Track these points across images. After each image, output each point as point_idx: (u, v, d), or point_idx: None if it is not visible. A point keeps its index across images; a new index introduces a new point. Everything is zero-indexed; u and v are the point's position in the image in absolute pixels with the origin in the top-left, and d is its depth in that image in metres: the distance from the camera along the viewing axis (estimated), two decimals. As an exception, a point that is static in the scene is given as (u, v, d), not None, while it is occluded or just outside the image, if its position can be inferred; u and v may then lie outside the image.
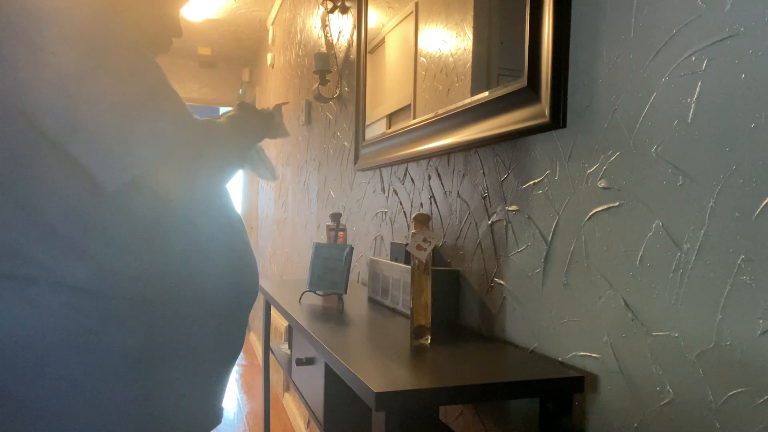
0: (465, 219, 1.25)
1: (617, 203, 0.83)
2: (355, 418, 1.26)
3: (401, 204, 1.61)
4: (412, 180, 1.54)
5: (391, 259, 1.50)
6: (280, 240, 3.67)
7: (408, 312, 1.27)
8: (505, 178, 1.11)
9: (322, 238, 2.53)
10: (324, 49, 2.47)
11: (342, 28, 2.30)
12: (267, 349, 1.94)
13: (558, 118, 0.93)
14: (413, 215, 1.02)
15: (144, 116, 0.79)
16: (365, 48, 1.93)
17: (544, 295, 0.99)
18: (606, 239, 0.85)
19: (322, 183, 2.59)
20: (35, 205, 0.77)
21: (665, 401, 0.75)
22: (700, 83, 0.71)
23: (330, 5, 2.32)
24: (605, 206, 0.86)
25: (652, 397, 0.77)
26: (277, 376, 3.52)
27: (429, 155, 1.38)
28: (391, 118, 1.69)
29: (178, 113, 0.84)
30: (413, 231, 1.00)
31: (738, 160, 0.66)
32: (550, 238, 0.97)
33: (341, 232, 1.66)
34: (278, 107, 1.16)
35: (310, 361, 1.38)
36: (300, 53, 3.15)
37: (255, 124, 1.08)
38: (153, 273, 0.83)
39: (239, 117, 1.05)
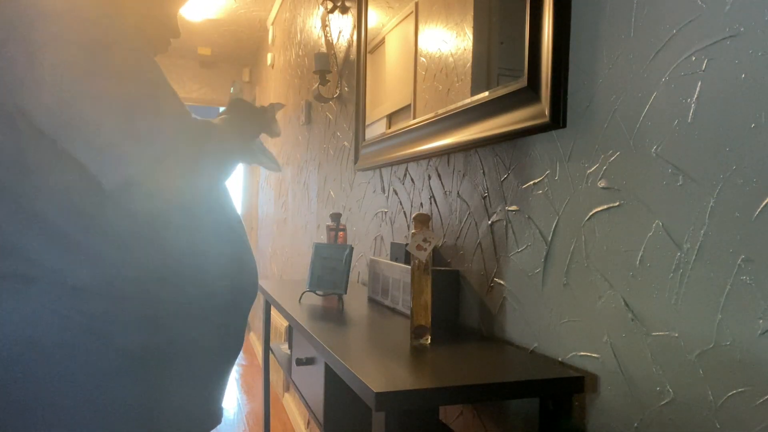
0: (465, 219, 1.25)
1: (617, 203, 0.83)
2: (355, 418, 1.26)
3: (401, 204, 1.61)
4: (412, 180, 1.54)
5: (391, 259, 1.50)
6: (280, 240, 3.67)
7: (408, 312, 1.27)
8: (505, 178, 1.11)
9: (322, 238, 2.53)
10: (324, 49, 2.47)
11: (342, 28, 2.30)
12: (267, 349, 1.94)
13: (558, 118, 0.93)
14: (413, 215, 1.02)
15: (143, 115, 0.79)
16: (365, 48, 1.93)
17: (544, 295, 0.99)
18: (606, 239, 0.85)
19: (322, 183, 2.59)
20: (35, 204, 0.77)
21: (665, 401, 0.75)
22: (700, 83, 0.71)
23: (330, 5, 2.32)
24: (605, 206, 0.86)
25: (652, 397, 0.77)
26: (277, 376, 3.52)
27: (429, 155, 1.38)
28: (391, 118, 1.69)
29: (176, 113, 0.84)
30: (413, 231, 1.00)
31: (738, 160, 0.66)
32: (550, 238, 0.97)
33: (341, 232, 1.66)
34: (273, 106, 1.15)
35: (310, 361, 1.38)
36: (300, 53, 3.15)
37: (250, 120, 1.07)
38: (153, 272, 0.83)
39: (235, 115, 1.05)
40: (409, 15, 1.56)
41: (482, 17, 1.19)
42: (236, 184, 5.76)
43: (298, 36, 3.19)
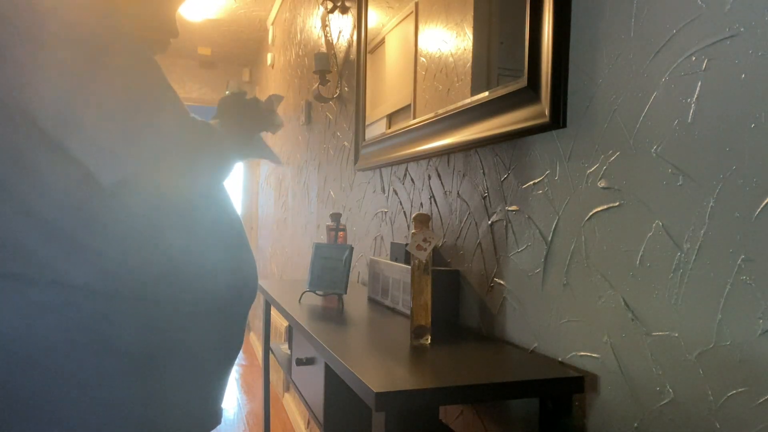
0: (465, 219, 1.25)
1: (617, 203, 0.83)
2: (355, 418, 1.26)
3: (401, 204, 1.61)
4: (412, 180, 1.54)
5: (391, 259, 1.50)
6: (280, 240, 3.67)
7: (408, 312, 1.27)
8: (505, 178, 1.11)
9: (322, 238, 2.53)
10: (324, 49, 2.47)
11: (342, 28, 2.30)
12: (267, 349, 1.94)
13: (558, 118, 0.93)
14: (413, 215, 1.02)
15: (141, 115, 0.79)
16: (365, 48, 1.93)
17: (544, 295, 0.99)
18: (606, 239, 0.85)
19: (322, 183, 2.59)
20: (35, 202, 0.77)
21: (665, 401, 0.75)
22: (700, 83, 0.71)
23: (330, 5, 2.32)
24: (605, 206, 0.86)
25: (652, 397, 0.77)
26: (277, 376, 3.52)
27: (429, 155, 1.38)
28: (391, 118, 1.69)
29: (175, 112, 0.84)
30: (413, 231, 1.00)
31: (738, 160, 0.66)
32: (550, 238, 0.97)
33: (341, 232, 1.66)
34: (271, 99, 1.13)
35: (310, 361, 1.38)
36: (300, 53, 3.15)
37: (247, 116, 1.06)
38: (153, 272, 0.83)
39: (230, 113, 1.04)
40: (409, 15, 1.56)
41: (482, 17, 1.19)
42: (236, 184, 5.75)
43: (298, 36, 3.19)
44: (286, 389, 3.26)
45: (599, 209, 0.87)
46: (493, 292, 1.13)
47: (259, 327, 4.67)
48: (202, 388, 0.93)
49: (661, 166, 0.76)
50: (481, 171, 1.19)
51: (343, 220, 2.20)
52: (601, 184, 0.86)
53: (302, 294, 1.56)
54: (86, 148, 0.77)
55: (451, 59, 1.30)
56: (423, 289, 1.01)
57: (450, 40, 1.30)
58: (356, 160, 1.98)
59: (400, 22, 1.63)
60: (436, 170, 1.39)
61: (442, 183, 1.36)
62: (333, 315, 1.29)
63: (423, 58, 1.45)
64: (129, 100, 0.78)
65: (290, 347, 1.72)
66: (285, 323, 2.68)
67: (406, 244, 1.35)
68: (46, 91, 0.75)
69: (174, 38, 1.02)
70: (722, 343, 0.68)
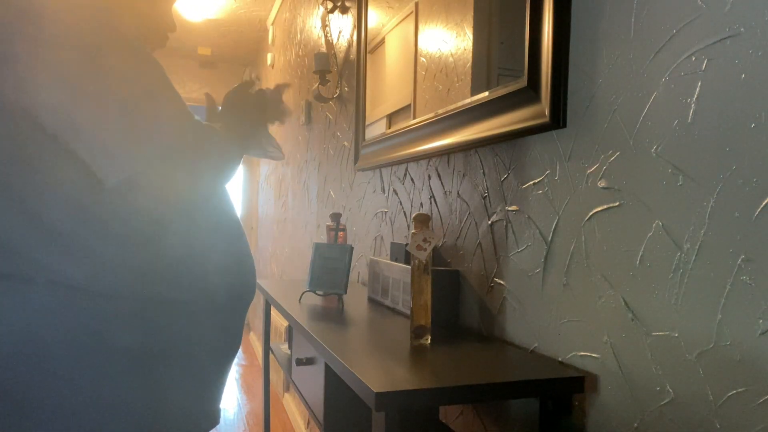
0: (465, 219, 1.25)
1: (617, 203, 0.83)
2: (355, 418, 1.26)
3: (401, 204, 1.61)
4: (412, 180, 1.54)
5: (391, 259, 1.50)
6: (280, 240, 3.67)
7: (408, 312, 1.27)
8: (505, 178, 1.11)
9: (322, 238, 2.53)
10: (324, 49, 2.47)
11: (342, 28, 2.30)
12: (267, 349, 1.94)
13: (558, 118, 0.93)
14: (413, 215, 1.02)
15: (142, 114, 0.79)
16: (365, 48, 1.93)
17: (544, 295, 0.99)
18: (606, 239, 0.85)
19: (322, 183, 2.59)
20: (36, 202, 0.77)
21: (665, 401, 0.75)
22: (700, 83, 0.71)
23: (330, 5, 2.32)
24: (605, 206, 0.86)
25: (652, 397, 0.77)
26: (277, 376, 3.52)
27: (429, 155, 1.38)
28: (391, 118, 1.69)
29: (177, 112, 0.84)
30: (413, 231, 1.00)
31: (738, 160, 0.66)
32: (550, 238, 0.97)
33: (341, 232, 1.66)
34: (278, 87, 1.11)
35: (310, 361, 1.38)
36: (300, 53, 3.15)
37: (252, 109, 1.05)
38: (152, 272, 0.83)
39: (235, 108, 1.03)
40: (409, 15, 1.56)
41: (482, 17, 1.19)
42: (236, 184, 5.75)
43: (298, 36, 3.19)
44: (286, 389, 3.26)
45: (599, 209, 0.87)
46: (493, 292, 1.13)
47: (259, 327, 4.67)
48: (200, 387, 0.93)
49: (661, 166, 0.76)
50: (481, 171, 1.19)
51: (343, 220, 2.20)
52: (601, 184, 0.86)
53: (302, 294, 1.56)
54: (89, 148, 0.77)
55: (451, 59, 1.30)
56: (423, 289, 1.01)
57: (450, 40, 1.30)
58: (356, 160, 1.98)
59: (400, 22, 1.63)
60: (436, 170, 1.39)
61: (442, 183, 1.36)
62: (333, 315, 1.29)
63: (423, 58, 1.45)
64: (130, 99, 0.78)
65: (290, 347, 1.72)
66: (285, 323, 2.68)
67: (406, 244, 1.35)
68: (47, 92, 0.75)
69: (171, 32, 1.02)
70: (722, 343, 0.68)
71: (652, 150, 0.77)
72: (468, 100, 1.20)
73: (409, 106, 1.54)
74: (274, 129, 3.82)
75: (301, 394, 1.45)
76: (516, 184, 1.07)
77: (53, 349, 0.77)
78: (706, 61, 0.70)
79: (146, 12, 0.97)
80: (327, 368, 1.24)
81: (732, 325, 0.66)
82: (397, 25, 1.66)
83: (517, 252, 1.06)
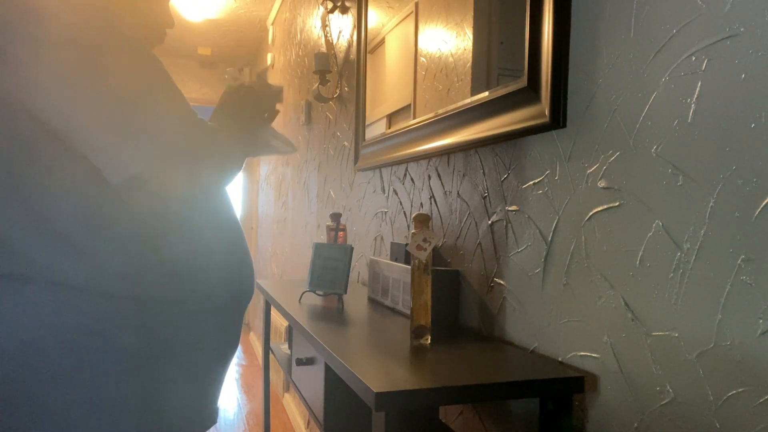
0: (465, 219, 1.25)
1: (617, 203, 0.83)
2: (355, 418, 1.26)
3: (401, 204, 1.61)
4: (412, 180, 1.54)
5: (391, 259, 1.50)
6: (280, 240, 3.67)
7: (408, 312, 1.27)
8: (505, 178, 1.11)
9: (322, 238, 2.53)
10: (324, 49, 2.47)
11: (342, 28, 2.30)
12: (267, 349, 1.94)
13: (558, 118, 0.93)
14: (413, 215, 1.02)
15: (144, 113, 0.79)
16: (365, 48, 1.93)
17: (544, 295, 0.99)
18: (606, 239, 0.85)
19: (322, 183, 2.59)
20: (37, 202, 0.77)
21: (665, 401, 0.75)
22: (700, 83, 0.71)
23: (330, 5, 2.32)
24: (605, 206, 0.86)
25: (652, 397, 0.77)
26: (277, 376, 3.52)
27: (429, 155, 1.38)
28: (391, 118, 1.69)
29: (178, 110, 0.84)
30: (413, 231, 1.00)
31: (738, 160, 0.66)
32: (550, 238, 0.97)
33: (341, 232, 1.66)
34: (277, 90, 1.09)
35: (310, 361, 1.38)
36: (300, 53, 3.15)
37: (251, 108, 1.04)
38: (151, 272, 0.83)
39: (233, 108, 1.02)
40: (409, 15, 1.56)
41: (482, 17, 1.19)
42: (236, 184, 5.75)
43: (298, 36, 3.19)
44: (286, 389, 3.26)
45: (599, 209, 0.87)
46: (493, 292, 1.13)
47: (259, 327, 4.66)
48: (198, 387, 0.93)
49: (661, 166, 0.76)
50: (481, 171, 1.19)
51: (343, 220, 2.20)
52: (601, 184, 0.86)
53: (302, 294, 1.56)
54: (90, 147, 0.77)
55: (451, 59, 1.30)
56: (423, 289, 1.01)
57: (450, 40, 1.30)
58: (356, 160, 1.98)
59: (400, 22, 1.63)
60: (436, 170, 1.39)
61: (442, 183, 1.36)
62: (333, 315, 1.29)
63: (423, 58, 1.45)
64: (131, 98, 0.78)
65: (290, 347, 1.72)
66: (285, 323, 2.68)
67: (406, 244, 1.35)
68: (48, 92, 0.75)
69: (170, 28, 1.02)
70: (722, 343, 0.68)
71: (652, 150, 0.77)
72: (468, 100, 1.20)
73: (409, 106, 1.54)
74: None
75: (301, 394, 1.45)
76: (516, 184, 1.07)
77: (52, 349, 0.77)
78: (706, 61, 0.70)
79: (145, 10, 0.97)
80: (327, 368, 1.24)
81: (732, 325, 0.66)
82: (397, 25, 1.66)
83: (517, 252, 1.06)
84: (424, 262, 1.00)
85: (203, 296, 0.89)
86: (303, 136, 3.06)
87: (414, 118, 1.49)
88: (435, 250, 1.37)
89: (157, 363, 0.85)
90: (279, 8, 3.84)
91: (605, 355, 0.85)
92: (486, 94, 1.13)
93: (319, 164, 2.68)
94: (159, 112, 0.81)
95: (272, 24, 4.12)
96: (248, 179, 5.64)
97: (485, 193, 1.17)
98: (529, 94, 0.99)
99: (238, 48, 4.92)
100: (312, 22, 2.84)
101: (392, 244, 1.53)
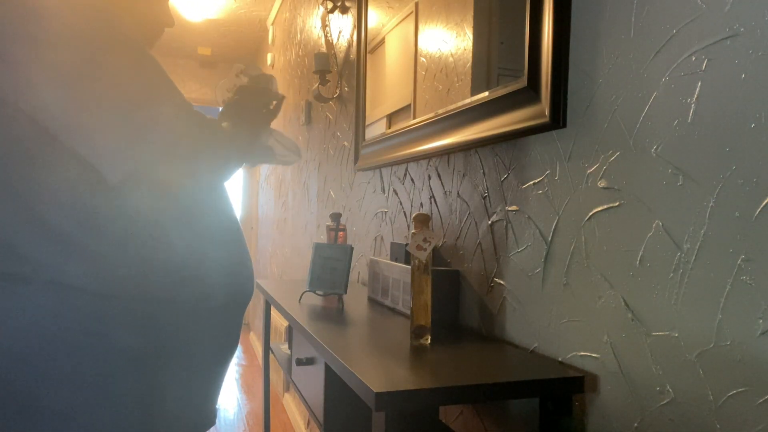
0: (465, 219, 1.25)
1: (617, 203, 0.83)
2: (355, 418, 1.26)
3: (401, 204, 1.61)
4: (412, 180, 1.54)
5: (391, 259, 1.50)
6: (280, 240, 3.67)
7: (408, 312, 1.27)
8: (505, 178, 1.11)
9: (322, 238, 2.53)
10: (324, 49, 2.47)
11: (342, 28, 2.30)
12: (267, 349, 1.93)
13: (558, 118, 0.93)
14: (413, 215, 1.02)
15: (142, 111, 0.79)
16: (365, 48, 1.93)
17: (544, 295, 0.99)
18: (606, 239, 0.85)
19: (322, 183, 2.59)
20: (35, 202, 0.77)
21: (665, 401, 0.75)
22: (700, 83, 0.71)
23: (330, 5, 2.32)
24: (605, 206, 0.86)
25: (652, 397, 0.77)
26: (277, 376, 3.52)
27: (429, 155, 1.38)
28: (391, 118, 1.69)
29: (176, 108, 0.84)
30: (413, 231, 1.00)
31: (738, 160, 0.66)
32: (550, 238, 0.97)
33: (341, 232, 1.66)
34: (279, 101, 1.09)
35: (310, 361, 1.38)
36: (300, 53, 3.15)
37: (256, 111, 1.03)
38: (150, 272, 0.83)
39: (240, 107, 1.01)
40: (409, 15, 1.56)
41: (482, 17, 1.19)
42: (236, 184, 5.75)
43: (298, 36, 3.19)
44: (286, 389, 3.26)
45: (599, 209, 0.87)
46: (493, 292, 1.13)
47: (259, 327, 4.66)
48: (198, 387, 0.93)
49: (661, 166, 0.76)
50: (481, 171, 1.19)
51: (343, 220, 2.20)
52: (601, 184, 0.86)
53: (302, 294, 1.56)
54: (89, 146, 0.77)
55: (451, 59, 1.30)
56: (423, 289, 1.01)
57: (450, 40, 1.30)
58: (356, 160, 1.98)
59: (400, 22, 1.63)
60: (436, 170, 1.39)
61: (442, 183, 1.36)
62: (333, 315, 1.29)
63: (423, 58, 1.45)
64: (130, 96, 0.78)
65: (290, 347, 1.72)
66: (285, 323, 2.68)
67: (406, 244, 1.35)
68: (47, 92, 0.75)
69: (170, 27, 1.02)
70: (722, 343, 0.68)
71: (652, 150, 0.77)
72: (468, 100, 1.20)
73: (409, 106, 1.54)
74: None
75: (301, 394, 1.45)
76: (516, 184, 1.07)
77: (52, 349, 0.77)
78: (706, 61, 0.70)
79: (144, 10, 0.97)
80: (327, 368, 1.24)
81: (732, 325, 0.66)
82: (397, 25, 1.65)
83: (517, 252, 1.06)
84: (424, 262, 1.00)
85: (203, 296, 0.89)
86: (303, 136, 3.06)
87: (414, 118, 1.49)
88: (435, 250, 1.37)
89: (157, 363, 0.85)
90: (279, 8, 3.84)
91: (605, 355, 0.85)
92: (486, 94, 1.13)
93: (319, 164, 2.68)
94: (157, 110, 0.81)
95: (272, 24, 4.12)
96: (248, 179, 5.64)
97: (485, 193, 1.17)
98: (529, 94, 0.99)
99: (238, 48, 4.92)
100: (312, 22, 2.84)
101: (392, 244, 1.53)
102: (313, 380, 1.34)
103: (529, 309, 1.03)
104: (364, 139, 1.91)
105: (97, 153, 0.77)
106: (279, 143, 1.07)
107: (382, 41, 1.78)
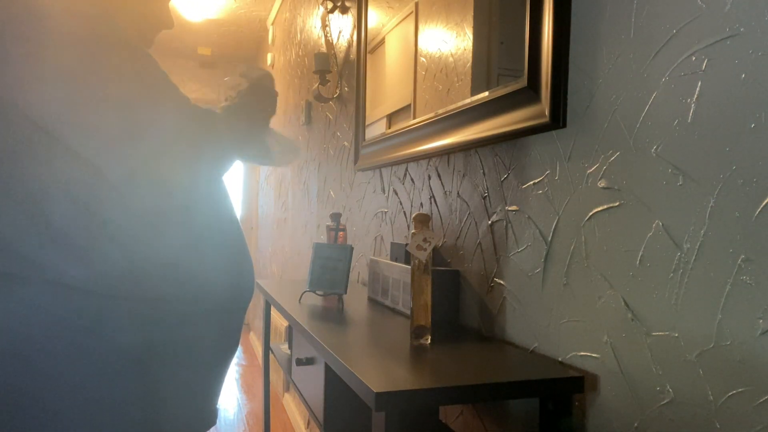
0: (465, 219, 1.25)
1: (617, 203, 0.83)
2: (355, 418, 1.26)
3: (401, 204, 1.61)
4: (412, 180, 1.54)
5: (391, 259, 1.50)
6: (280, 240, 3.67)
7: (408, 312, 1.27)
8: (505, 178, 1.11)
9: (322, 238, 2.53)
10: (324, 49, 2.47)
11: (342, 28, 2.30)
12: (267, 349, 1.94)
13: (558, 118, 0.93)
14: (413, 215, 1.02)
15: (142, 110, 0.79)
16: (365, 48, 1.93)
17: (544, 295, 0.99)
18: (606, 239, 0.85)
19: (322, 183, 2.59)
20: (34, 201, 0.77)
21: (665, 401, 0.75)
22: (700, 83, 0.71)
23: (330, 5, 2.32)
24: (605, 206, 0.86)
25: (652, 397, 0.77)
26: (277, 376, 3.52)
27: (429, 155, 1.38)
28: (391, 118, 1.69)
29: (175, 105, 0.84)
30: (413, 231, 1.00)
31: (738, 160, 0.66)
32: (550, 238, 0.97)
33: (341, 232, 1.66)
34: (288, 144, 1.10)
35: (310, 361, 1.38)
36: (300, 53, 3.15)
37: (261, 111, 1.03)
38: (150, 272, 0.83)
39: (249, 102, 1.01)
40: (409, 15, 1.56)
41: (482, 17, 1.19)
42: (236, 184, 5.75)
43: (298, 36, 3.19)
44: (286, 389, 3.26)
45: (599, 209, 0.87)
46: (493, 292, 1.13)
47: (259, 327, 4.67)
48: (198, 387, 0.93)
49: (661, 166, 0.76)
50: (481, 171, 1.19)
51: (343, 220, 2.20)
52: (601, 184, 0.86)
53: (302, 294, 1.56)
54: (89, 145, 0.77)
55: (451, 59, 1.30)
56: (423, 289, 1.01)
57: (450, 40, 1.30)
58: (356, 160, 1.98)
59: (400, 22, 1.63)
60: (436, 170, 1.39)
61: (442, 183, 1.36)
62: (333, 315, 1.29)
63: (423, 58, 1.45)
64: (128, 96, 0.78)
65: (290, 347, 1.72)
66: (285, 323, 2.68)
67: (406, 244, 1.35)
68: (47, 91, 0.75)
69: (169, 29, 1.02)
70: (722, 343, 0.68)
71: (652, 150, 0.77)
72: (468, 100, 1.20)
73: (409, 106, 1.54)
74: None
75: (301, 394, 1.45)
76: (516, 184, 1.07)
77: (50, 349, 0.77)
78: (706, 61, 0.70)
79: (143, 11, 0.97)
80: (327, 368, 1.24)
81: (732, 325, 0.66)
82: (397, 25, 1.66)
83: (517, 252, 1.06)
84: (424, 262, 1.00)
85: (203, 296, 0.89)
86: (303, 136, 3.06)
87: (414, 118, 1.49)
88: (435, 250, 1.37)
89: (157, 363, 0.85)
90: (279, 8, 3.84)
91: (605, 355, 0.85)
92: (486, 94, 1.13)
93: (319, 164, 2.68)
94: (156, 108, 0.81)
95: (272, 24, 4.12)
96: (248, 179, 5.64)
97: (485, 193, 1.17)
98: (529, 94, 0.99)
99: (238, 48, 4.92)
100: (312, 22, 2.84)
101: (392, 244, 1.53)
102: (313, 380, 1.34)
103: (529, 309, 1.03)
104: (364, 139, 1.91)
105: (97, 152, 0.77)
106: (277, 143, 1.08)
107: (382, 41, 1.78)
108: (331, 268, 1.45)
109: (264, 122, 1.04)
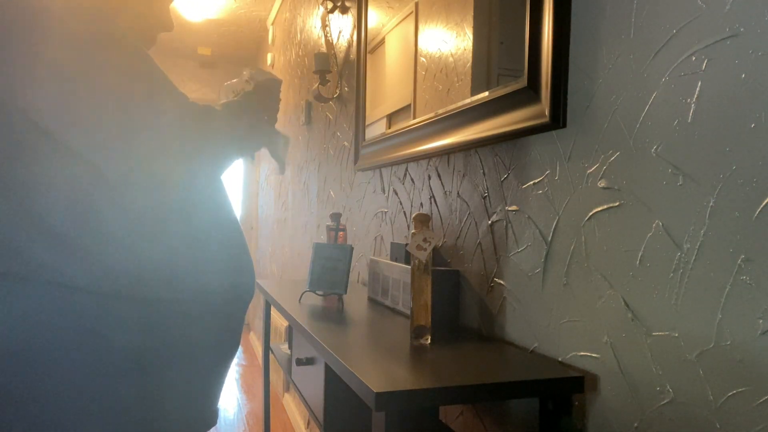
0: (465, 219, 1.25)
1: (617, 203, 0.83)
2: (355, 418, 1.26)
3: (401, 204, 1.61)
4: (412, 180, 1.54)
5: (391, 259, 1.50)
6: (280, 240, 3.67)
7: (408, 312, 1.27)
8: (505, 178, 1.11)
9: (322, 238, 2.53)
10: (324, 49, 2.47)
11: (342, 28, 2.30)
12: (267, 349, 1.94)
13: (558, 118, 0.93)
14: (413, 215, 1.02)
15: (140, 109, 0.79)
16: (365, 48, 1.93)
17: (544, 295, 0.99)
18: (606, 239, 0.85)
19: (322, 183, 2.59)
20: (33, 201, 0.77)
21: (665, 401, 0.75)
22: (700, 83, 0.71)
23: (330, 5, 2.32)
24: (605, 206, 0.86)
25: (652, 397, 0.77)
26: (277, 376, 3.52)
27: (429, 155, 1.38)
28: (391, 118, 1.69)
29: (174, 104, 0.84)
30: (413, 231, 1.00)
31: (738, 160, 0.66)
32: (550, 238, 0.97)
33: (341, 232, 1.66)
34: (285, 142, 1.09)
35: (310, 361, 1.38)
36: (300, 53, 3.15)
37: (263, 111, 1.02)
38: (150, 271, 0.83)
39: (253, 100, 1.00)
40: (409, 15, 1.56)
41: (482, 17, 1.19)
42: (236, 184, 5.75)
43: (298, 36, 3.19)
44: (286, 389, 3.26)
45: (599, 209, 0.87)
46: (493, 292, 1.13)
47: (259, 327, 4.67)
48: (199, 387, 0.93)
49: (661, 166, 0.76)
50: (481, 171, 1.19)
51: (343, 220, 2.20)
52: (601, 184, 0.86)
53: (302, 294, 1.56)
54: (88, 145, 0.77)
55: (451, 59, 1.30)
56: (423, 289, 1.01)
57: (450, 40, 1.30)
58: (356, 160, 1.98)
59: (400, 22, 1.63)
60: (436, 170, 1.39)
61: (442, 183, 1.36)
62: (333, 315, 1.29)
63: (423, 58, 1.45)
64: (128, 93, 0.78)
65: (290, 347, 1.72)
66: (285, 323, 2.68)
67: (406, 244, 1.35)
68: (46, 90, 0.75)
69: (169, 31, 1.02)
70: (722, 343, 0.68)
71: (652, 150, 0.77)
72: (468, 100, 1.20)
73: (409, 106, 1.54)
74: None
75: (301, 394, 1.45)
76: (516, 184, 1.07)
77: (50, 350, 0.77)
78: (706, 61, 0.70)
79: (144, 11, 0.97)
80: (327, 368, 1.24)
81: (732, 325, 0.66)
82: (397, 25, 1.66)
83: (517, 252, 1.06)
84: (424, 262, 1.00)
85: (203, 296, 0.89)
86: (303, 136, 3.06)
87: (414, 118, 1.49)
88: (435, 250, 1.37)
89: (157, 363, 0.85)
90: (279, 8, 3.84)
91: (605, 355, 0.85)
92: (486, 94, 1.13)
93: (319, 164, 2.68)
94: (155, 107, 0.81)
95: (272, 24, 4.12)
96: (248, 179, 5.64)
97: (485, 193, 1.17)
98: (529, 94, 0.99)
99: (238, 48, 4.92)
100: (312, 22, 2.84)
101: (392, 244, 1.53)
102: (313, 380, 1.34)
103: (529, 309, 1.03)
104: (364, 139, 1.91)
105: (96, 150, 0.77)
106: (276, 143, 1.08)
107: (382, 41, 1.78)
108: (331, 268, 1.45)
109: (266, 122, 1.04)
